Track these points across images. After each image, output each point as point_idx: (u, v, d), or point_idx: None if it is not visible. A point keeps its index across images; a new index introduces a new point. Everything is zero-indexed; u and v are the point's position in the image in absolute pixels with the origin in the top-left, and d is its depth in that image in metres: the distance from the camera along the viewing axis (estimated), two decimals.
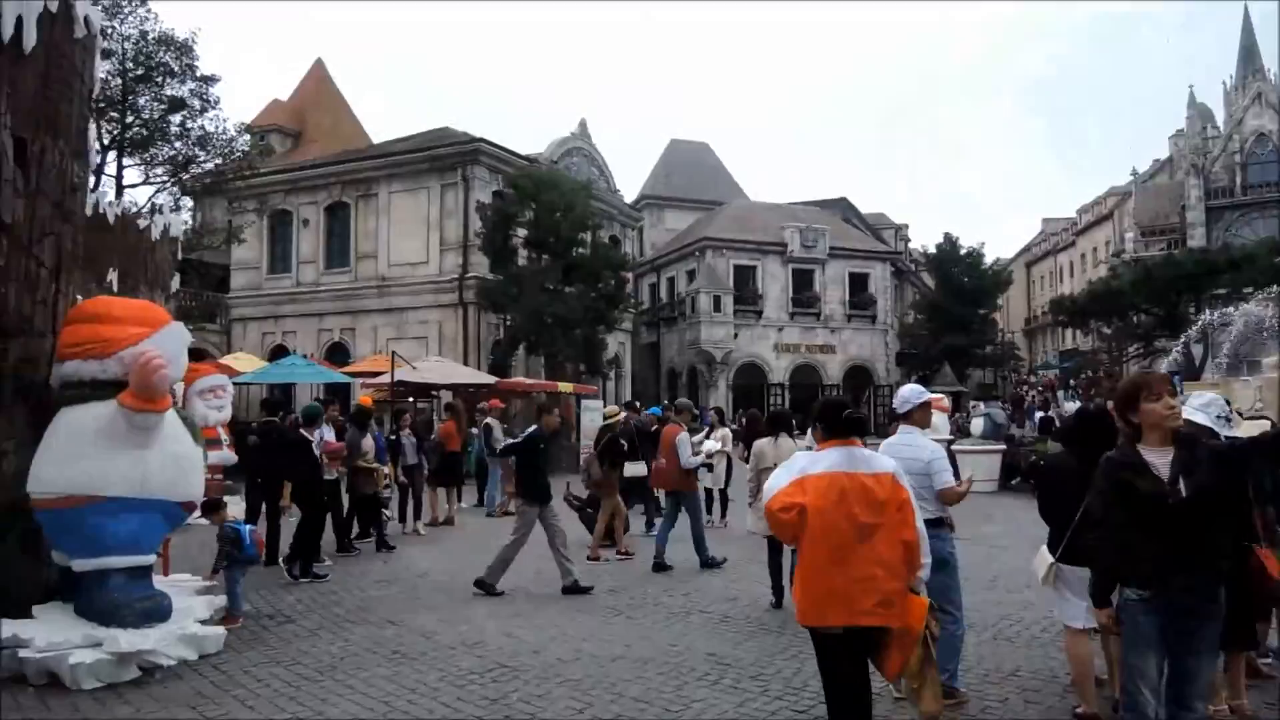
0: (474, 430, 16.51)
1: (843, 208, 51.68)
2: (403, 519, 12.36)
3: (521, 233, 25.72)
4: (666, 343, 43.77)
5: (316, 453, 9.66)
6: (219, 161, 19.76)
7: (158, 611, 5.82)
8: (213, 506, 7.28)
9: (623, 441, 11.08)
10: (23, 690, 5.30)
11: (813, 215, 44.52)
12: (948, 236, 46.10)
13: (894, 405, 5.60)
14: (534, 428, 8.83)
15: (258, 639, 6.54)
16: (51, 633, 5.55)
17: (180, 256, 14.83)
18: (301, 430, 9.61)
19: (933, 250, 47.94)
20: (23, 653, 5.41)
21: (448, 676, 5.65)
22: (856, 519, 3.80)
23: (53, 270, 6.50)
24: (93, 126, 12.57)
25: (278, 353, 29.06)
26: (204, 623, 6.32)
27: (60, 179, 6.54)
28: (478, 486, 15.75)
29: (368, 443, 11.22)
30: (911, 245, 57.93)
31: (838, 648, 3.85)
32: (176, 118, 18.59)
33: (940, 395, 17.48)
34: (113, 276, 13.05)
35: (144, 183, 19.67)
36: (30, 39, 6.32)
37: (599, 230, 27.99)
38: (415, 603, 7.83)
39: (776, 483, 4.00)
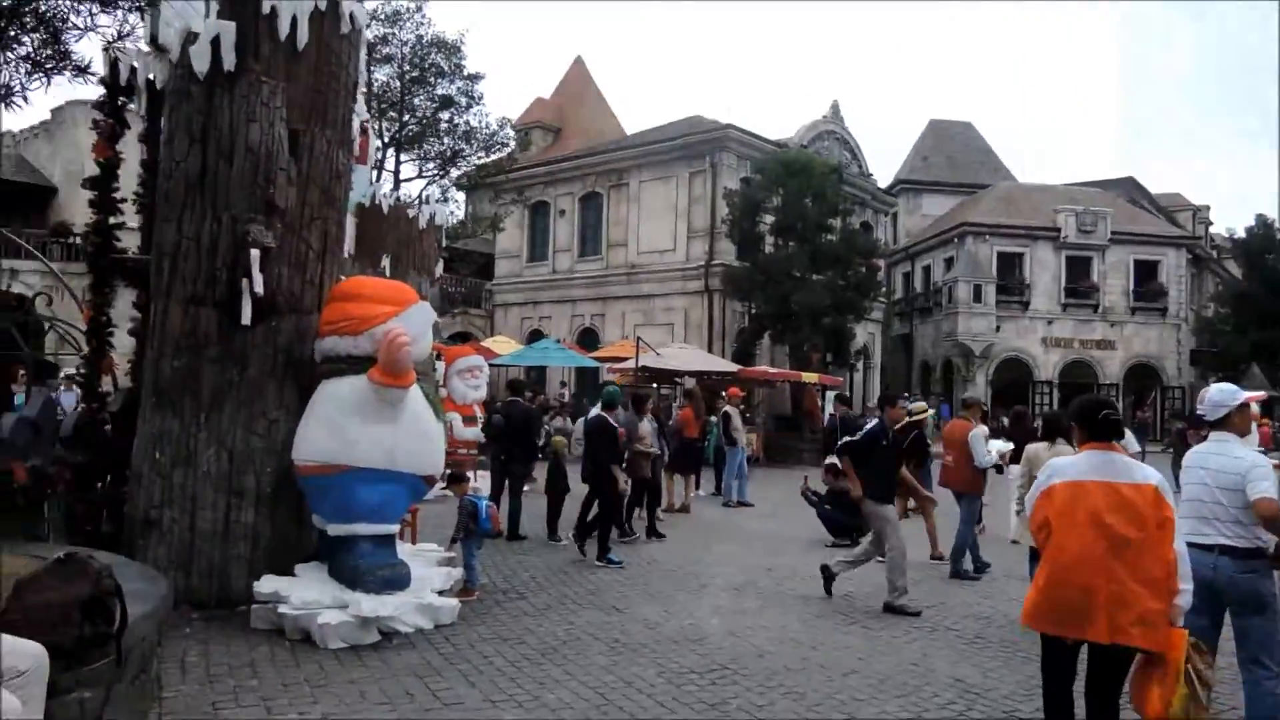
0: (713, 418, 16.36)
1: (1128, 188, 46.44)
2: (640, 505, 12.39)
3: (769, 219, 25.26)
4: (920, 334, 41.53)
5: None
6: (482, 154, 21.02)
7: (398, 579, 6.05)
8: (456, 479, 7.55)
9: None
10: (280, 644, 5.68)
11: (1092, 197, 40.29)
12: (1261, 219, 40.00)
13: (1199, 409, 4.63)
14: (874, 422, 8.12)
15: (489, 614, 6.66)
16: (306, 591, 5.93)
17: (444, 244, 15.88)
18: (604, 415, 9.47)
19: (1241, 234, 41.81)
20: (281, 608, 5.80)
21: (666, 673, 5.41)
22: (1111, 530, 3.59)
23: (319, 252, 6.96)
24: (360, 121, 13.72)
25: (535, 337, 30.61)
26: (441, 594, 6.53)
27: (328, 167, 6.99)
28: (715, 475, 15.57)
29: (645, 427, 11.42)
30: (1214, 229, 51.00)
31: (1066, 657, 3.83)
32: (445, 114, 19.95)
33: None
34: (386, 262, 14.23)
35: (417, 176, 21.32)
36: (303, 37, 6.78)
37: (849, 216, 26.88)
38: (642, 590, 7.70)
39: (1032, 493, 3.98)
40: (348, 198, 7.31)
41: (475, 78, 19.87)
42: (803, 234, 24.55)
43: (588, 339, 30.71)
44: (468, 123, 20.23)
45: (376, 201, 14.14)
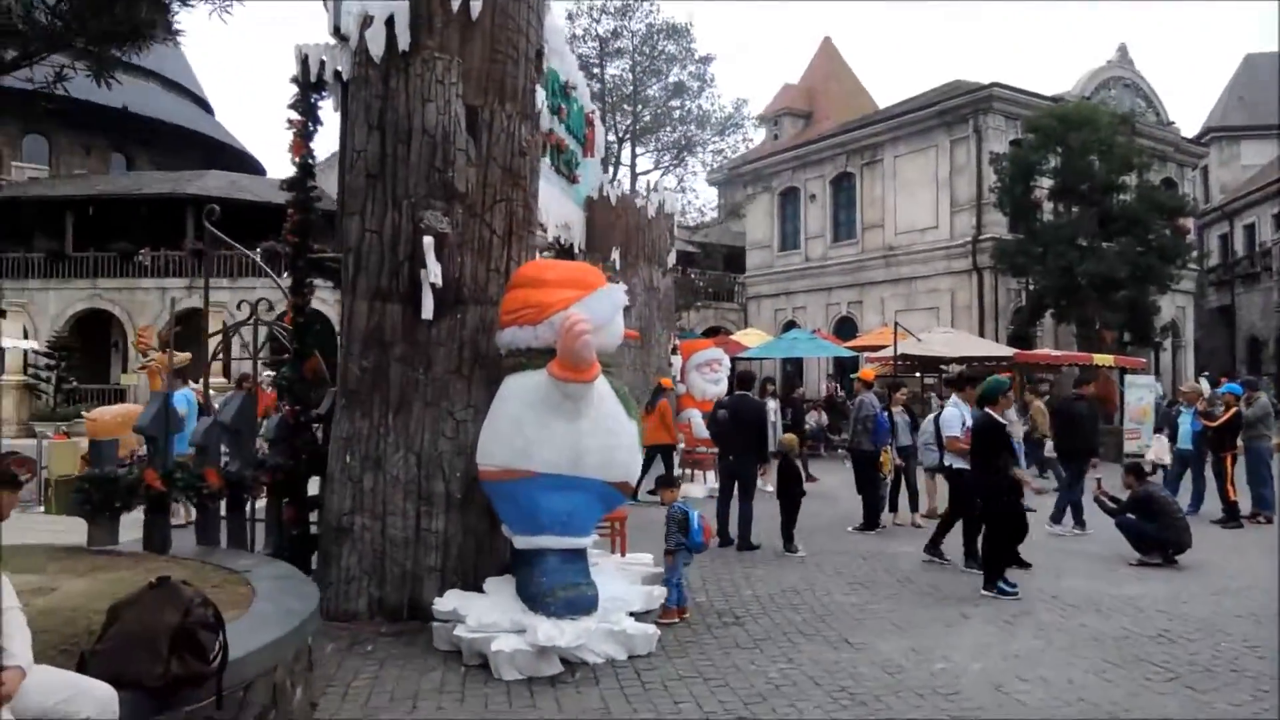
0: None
1: None
2: (894, 507, 10.93)
3: (1045, 182, 22.31)
4: (1244, 305, 35.41)
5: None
6: (718, 139, 20.24)
7: (581, 602, 5.29)
8: (665, 483, 6.69)
9: None
10: (457, 668, 5.12)
11: None
12: None
13: None
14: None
15: (695, 642, 5.74)
16: (486, 611, 5.32)
17: (676, 232, 15.22)
18: (989, 411, 7.50)
19: None
20: (458, 629, 5.23)
21: None
22: None
23: (504, 237, 6.39)
24: (587, 112, 13.32)
25: (789, 329, 29.39)
26: (639, 616, 5.70)
27: (509, 143, 6.40)
28: None
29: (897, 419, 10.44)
30: None
31: None
32: (677, 102, 19.38)
33: None
34: (616, 254, 13.79)
35: (655, 169, 20.97)
36: (477, 5, 6.24)
37: (1146, 171, 23.12)
38: (886, 619, 6.42)
39: None
40: (535, 176, 6.69)
41: (706, 60, 19.16)
42: (1088, 195, 21.41)
43: (845, 328, 28.99)
44: (699, 107, 19.54)
45: (605, 193, 13.79)
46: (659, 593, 6.08)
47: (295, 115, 6.76)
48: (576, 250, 13.68)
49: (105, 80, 4.16)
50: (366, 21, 6.23)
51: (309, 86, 6.74)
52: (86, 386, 26.20)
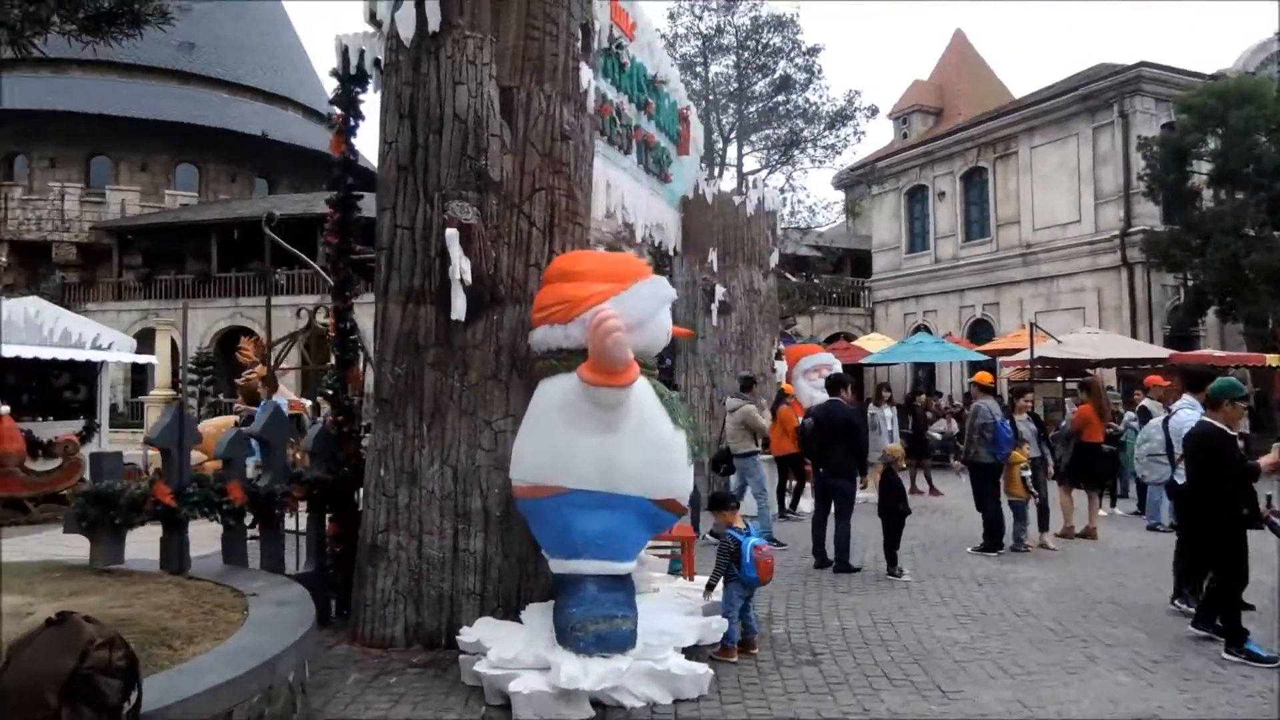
0: (1129, 414, 12.90)
1: None
2: (1044, 525, 9.69)
3: (1203, 167, 20.11)
4: None
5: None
6: (827, 133, 19.16)
7: (614, 638, 4.62)
8: (720, 502, 5.94)
9: None
10: (475, 708, 4.54)
11: None
12: None
13: None
14: None
15: (755, 685, 4.96)
16: (510, 644, 4.73)
17: (778, 230, 14.35)
18: (1208, 420, 5.96)
19: None
20: (478, 664, 4.66)
21: None
22: None
23: (545, 229, 5.83)
24: (680, 108, 12.67)
25: (919, 333, 27.80)
26: (690, 653, 4.98)
27: (549, 127, 5.84)
28: (1137, 489, 12.10)
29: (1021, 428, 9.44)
30: None
31: None
32: (783, 96, 18.47)
33: None
34: (713, 255, 13.07)
35: (763, 168, 20.08)
36: None
37: None
38: (994, 659, 5.45)
39: None
40: (581, 163, 6.10)
41: (814, 51, 18.17)
42: (1254, 179, 19.12)
43: (980, 332, 27.15)
44: (807, 99, 18.56)
45: (700, 192, 13.11)
46: (719, 625, 5.33)
47: (336, 110, 6.44)
48: (671, 252, 13.09)
49: (23, 48, 3.82)
50: (396, 3, 5.83)
51: (349, 79, 6.41)
52: (230, 400, 27.60)
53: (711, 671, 4.82)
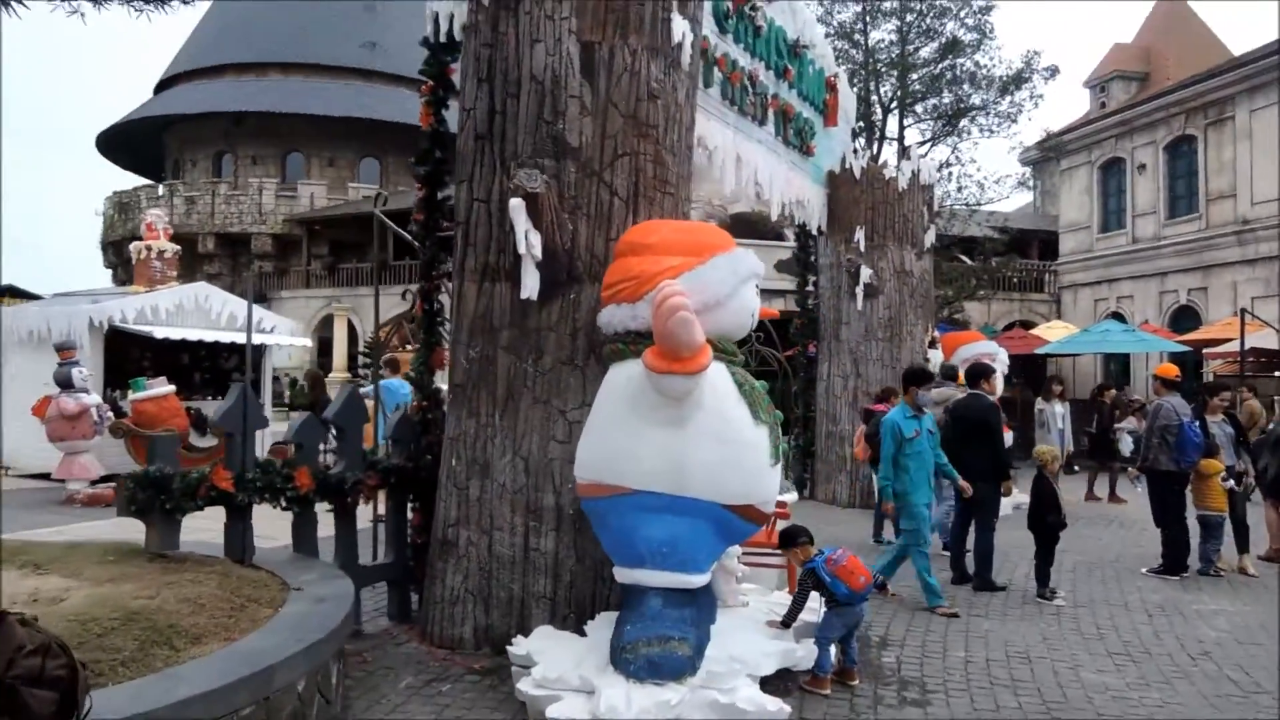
0: None
1: None
2: (1244, 547, 8.27)
3: None
4: None
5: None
6: (998, 101, 17.42)
7: (668, 663, 4.03)
8: (789, 539, 5.07)
9: None
10: None
11: None
12: None
13: None
14: None
15: None
16: (558, 662, 4.25)
17: (947, 206, 13.11)
18: None
19: None
20: (521, 681, 4.22)
21: None
22: None
23: (628, 199, 5.29)
24: (828, 75, 11.72)
25: (1106, 321, 25.21)
26: (773, 682, 4.34)
27: (634, 85, 5.28)
28: None
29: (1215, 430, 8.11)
30: None
31: None
32: (950, 60, 16.93)
33: None
34: (860, 233, 12.11)
35: (926, 140, 18.57)
36: None
37: None
38: (1148, 716, 4.46)
39: None
40: (673, 125, 5.49)
41: (986, 9, 16.52)
42: None
43: (1183, 320, 24.28)
44: (977, 63, 16.92)
45: (847, 166, 12.16)
46: (806, 652, 4.64)
47: (426, 81, 6.15)
48: (815, 231, 12.23)
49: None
50: None
51: (439, 48, 6.11)
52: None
53: (788, 709, 4.14)
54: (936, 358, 12.13)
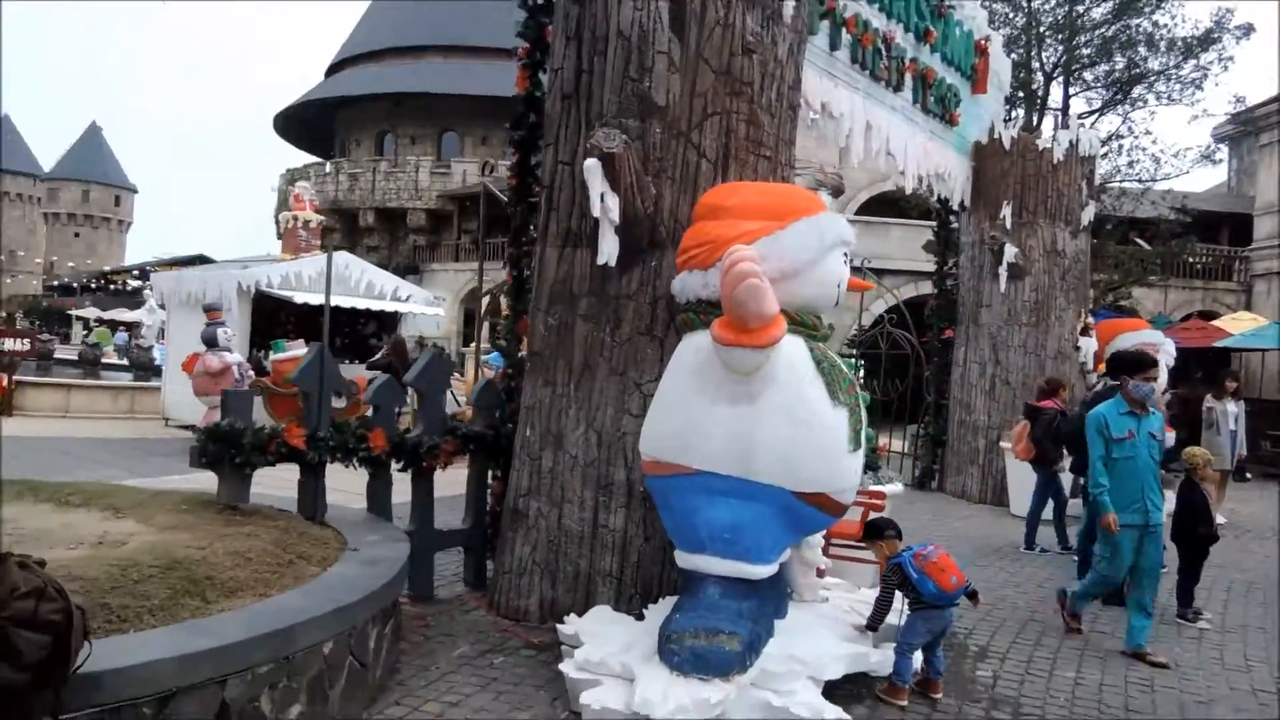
0: None
1: None
2: None
3: None
4: None
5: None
6: (1174, 64, 15.64)
7: (715, 659, 3.71)
8: (874, 531, 4.60)
9: None
10: (558, 710, 3.91)
11: None
12: None
13: None
14: None
15: None
16: (604, 645, 4.02)
17: (1095, 180, 11.93)
18: None
19: None
20: (564, 663, 4.02)
21: None
22: None
23: (716, 161, 4.95)
24: (979, 39, 10.81)
25: None
26: (834, 688, 3.96)
27: (726, 39, 4.92)
28: None
29: None
30: None
31: None
32: (1123, 21, 15.33)
33: None
34: (1007, 209, 11.21)
35: (1095, 109, 16.94)
36: None
37: None
38: None
39: None
40: (771, 82, 5.09)
41: None
42: None
43: None
44: (1155, 23, 15.24)
45: (996, 136, 11.25)
46: (881, 657, 4.22)
47: (522, 43, 6.00)
48: (957, 205, 11.40)
49: None
50: None
51: (537, 8, 5.93)
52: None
53: (848, 718, 3.76)
54: (1088, 346, 11.11)
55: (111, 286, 48.25)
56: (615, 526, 4.96)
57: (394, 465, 5.33)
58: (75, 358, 21.46)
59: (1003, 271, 10.89)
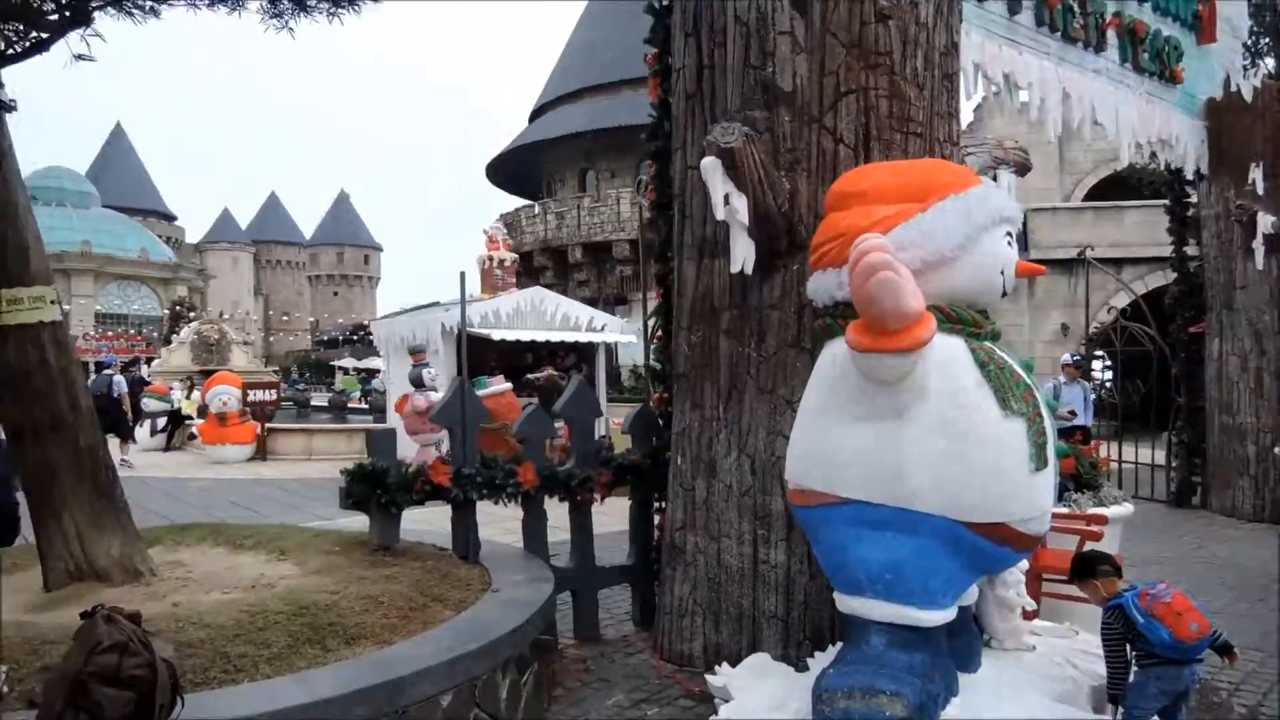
0: None
1: None
2: None
3: None
4: None
5: None
6: None
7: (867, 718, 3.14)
8: (1082, 568, 3.77)
9: None
10: None
11: None
12: None
13: None
14: None
15: None
16: (752, 702, 3.57)
17: None
18: None
19: None
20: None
21: None
22: None
23: (856, 145, 4.40)
24: None
25: None
26: None
27: (855, 8, 4.38)
28: None
29: None
30: None
31: None
32: None
33: None
34: (1256, 172, 9.62)
35: None
36: None
37: None
38: None
39: None
40: (916, 49, 4.47)
41: None
42: None
43: None
44: None
45: (1235, 89, 9.66)
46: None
47: (651, 49, 5.73)
48: (1191, 174, 9.89)
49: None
50: None
51: (665, 10, 5.64)
52: None
53: None
54: None
55: (368, 337, 53.38)
56: (777, 562, 4.49)
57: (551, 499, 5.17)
58: (325, 404, 23.57)
59: (1258, 245, 9.30)
